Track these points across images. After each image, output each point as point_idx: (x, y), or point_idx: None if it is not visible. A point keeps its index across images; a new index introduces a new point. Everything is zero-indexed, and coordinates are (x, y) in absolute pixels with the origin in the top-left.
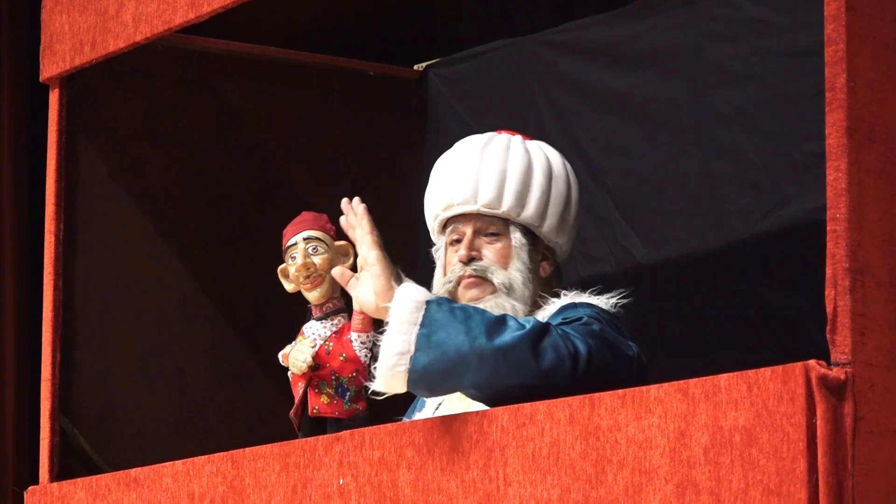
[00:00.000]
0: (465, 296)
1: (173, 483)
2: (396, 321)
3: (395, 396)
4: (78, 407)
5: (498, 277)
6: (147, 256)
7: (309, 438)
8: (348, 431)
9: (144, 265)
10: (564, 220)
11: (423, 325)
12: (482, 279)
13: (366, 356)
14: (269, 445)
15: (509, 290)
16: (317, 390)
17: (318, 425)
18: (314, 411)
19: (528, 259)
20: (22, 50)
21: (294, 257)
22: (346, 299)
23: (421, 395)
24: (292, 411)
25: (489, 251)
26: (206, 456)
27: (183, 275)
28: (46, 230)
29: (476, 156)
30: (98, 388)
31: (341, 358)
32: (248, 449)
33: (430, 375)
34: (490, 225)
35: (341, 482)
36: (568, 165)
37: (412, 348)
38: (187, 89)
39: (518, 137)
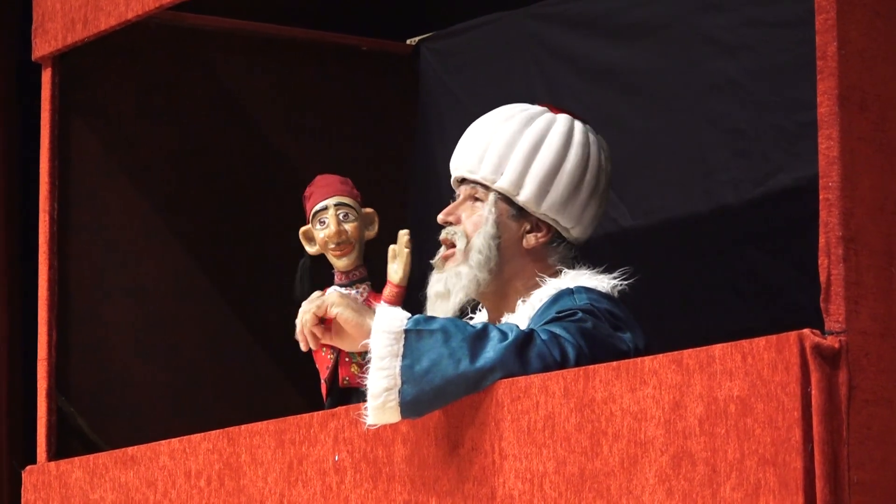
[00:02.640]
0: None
1: (170, 461)
2: (377, 357)
3: None
4: (74, 385)
5: (460, 243)
6: (142, 234)
7: (304, 415)
8: (343, 407)
9: (139, 243)
10: (562, 194)
11: (404, 356)
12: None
13: None
14: (264, 422)
15: (467, 256)
16: (347, 359)
17: (345, 396)
18: (344, 382)
19: (495, 228)
20: (14, 29)
21: (324, 222)
22: (371, 268)
23: (415, 418)
24: (325, 376)
25: (466, 216)
26: (203, 433)
27: (178, 251)
28: (41, 209)
29: (480, 123)
30: (94, 366)
31: None
32: (243, 426)
33: (420, 404)
34: (476, 190)
35: (336, 458)
36: (588, 145)
37: (398, 381)
38: (180, 66)
39: (540, 109)
